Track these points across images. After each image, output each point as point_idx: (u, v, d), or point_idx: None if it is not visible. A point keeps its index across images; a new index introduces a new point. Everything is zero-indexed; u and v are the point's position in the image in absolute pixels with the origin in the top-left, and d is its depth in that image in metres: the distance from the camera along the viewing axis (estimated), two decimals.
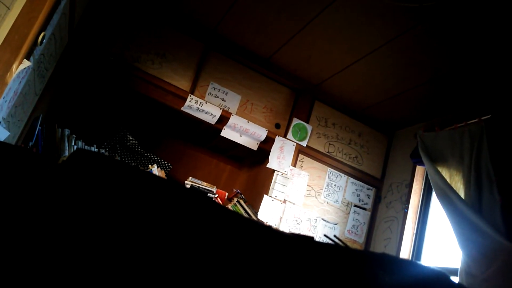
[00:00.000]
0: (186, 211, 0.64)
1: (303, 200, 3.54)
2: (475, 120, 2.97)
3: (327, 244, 0.68)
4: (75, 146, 3.08)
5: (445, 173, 3.05)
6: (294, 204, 3.49)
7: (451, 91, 3.17)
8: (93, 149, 3.19)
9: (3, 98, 1.82)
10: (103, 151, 3.30)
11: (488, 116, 2.90)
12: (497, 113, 2.85)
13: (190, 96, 3.29)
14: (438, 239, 3.26)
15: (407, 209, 3.44)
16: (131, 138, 3.50)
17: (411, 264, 0.75)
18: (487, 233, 2.52)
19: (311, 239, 0.68)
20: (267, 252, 0.61)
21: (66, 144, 3.00)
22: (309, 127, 3.68)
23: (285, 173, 3.50)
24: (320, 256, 0.64)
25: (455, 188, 2.89)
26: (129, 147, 3.46)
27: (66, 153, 2.97)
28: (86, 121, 3.52)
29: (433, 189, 3.09)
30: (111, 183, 0.64)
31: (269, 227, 0.72)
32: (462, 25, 2.54)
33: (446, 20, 2.53)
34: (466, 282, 2.59)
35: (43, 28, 1.91)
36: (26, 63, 1.84)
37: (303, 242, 0.66)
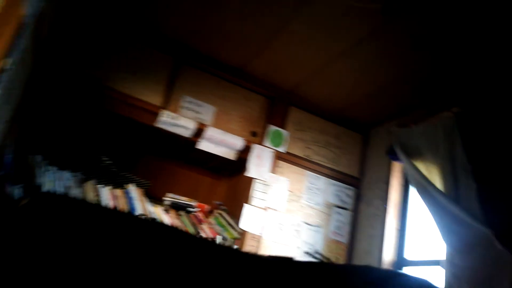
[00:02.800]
0: (143, 244, 0.63)
1: (285, 205, 3.53)
2: (446, 113, 3.03)
3: (307, 262, 0.67)
4: (48, 173, 3.00)
5: (421, 167, 3.09)
6: (276, 210, 3.48)
7: (422, 87, 3.23)
8: (67, 173, 3.12)
9: None
10: (78, 174, 3.22)
11: (459, 109, 2.96)
12: (467, 105, 2.92)
13: (164, 111, 3.26)
14: (422, 232, 3.31)
15: (388, 205, 3.48)
16: (105, 158, 3.43)
17: (395, 275, 0.75)
18: (467, 222, 2.56)
19: (289, 260, 0.67)
20: (245, 280, 0.60)
21: (39, 171, 2.93)
22: (285, 133, 3.69)
23: (265, 180, 3.50)
24: (301, 277, 0.63)
25: (432, 181, 2.93)
26: (105, 168, 3.39)
27: (39, 180, 2.90)
28: (59, 145, 3.43)
29: (412, 184, 3.13)
30: (68, 227, 0.63)
31: (246, 253, 0.70)
32: (428, 20, 2.59)
33: (413, 16, 2.58)
34: (450, 271, 2.63)
35: (8, 54, 1.86)
36: None
37: (282, 264, 0.65)
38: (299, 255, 3.44)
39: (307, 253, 1.85)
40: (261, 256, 0.66)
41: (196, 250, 0.64)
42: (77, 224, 0.66)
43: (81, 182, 3.16)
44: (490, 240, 2.38)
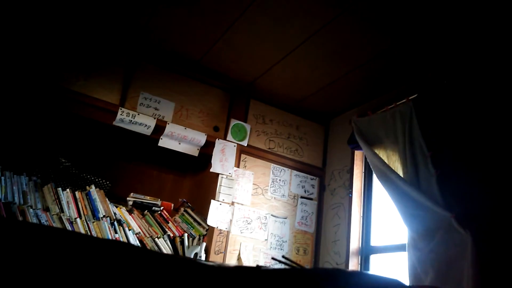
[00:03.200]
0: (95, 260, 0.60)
1: (251, 199, 3.53)
2: (403, 101, 3.09)
3: (276, 270, 0.66)
4: (3, 178, 2.87)
5: (382, 154, 3.15)
6: (242, 204, 3.47)
7: (379, 75, 3.27)
8: (23, 177, 2.99)
9: None
10: (34, 178, 3.09)
11: (415, 95, 3.03)
12: (422, 92, 2.99)
13: (121, 109, 3.17)
14: (385, 218, 3.38)
15: (351, 194, 3.53)
16: (64, 160, 3.31)
17: (364, 276, 0.75)
18: (427, 207, 2.64)
19: (257, 269, 0.65)
20: None
21: None
22: (247, 126, 3.67)
23: (230, 175, 3.47)
24: (271, 286, 0.61)
25: (393, 168, 3.00)
26: (63, 170, 3.27)
27: None
28: (13, 149, 3.28)
29: (373, 171, 3.19)
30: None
31: (211, 265, 0.68)
32: (383, 10, 2.62)
33: (367, 6, 2.60)
34: (414, 256, 2.70)
35: None
36: None
37: (249, 274, 0.63)
38: (267, 248, 3.45)
39: (273, 259, 1.83)
40: (226, 266, 0.64)
41: (155, 265, 0.62)
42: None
43: (39, 187, 3.04)
44: (451, 223, 2.46)
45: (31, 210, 2.86)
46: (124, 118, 3.17)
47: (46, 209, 2.96)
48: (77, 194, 3.11)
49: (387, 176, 2.96)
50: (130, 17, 3.05)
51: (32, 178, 3.07)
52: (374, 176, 3.47)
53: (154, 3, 2.85)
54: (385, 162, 3.05)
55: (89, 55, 3.19)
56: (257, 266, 0.68)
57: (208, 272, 0.63)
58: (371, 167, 3.19)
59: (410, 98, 3.04)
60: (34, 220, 2.84)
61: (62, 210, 2.99)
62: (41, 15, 3.05)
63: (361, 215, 3.50)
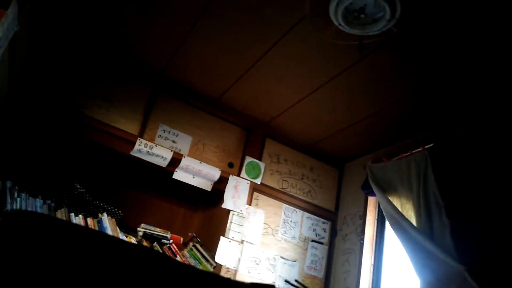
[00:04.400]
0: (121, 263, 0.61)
1: (261, 239, 3.49)
2: (419, 149, 3.08)
3: None
4: (18, 199, 2.91)
5: (396, 202, 3.12)
6: (251, 244, 3.43)
7: (395, 123, 3.29)
8: (38, 200, 3.02)
9: None
10: (49, 201, 3.12)
11: (431, 145, 3.03)
12: (438, 141, 2.99)
13: (139, 139, 3.23)
14: (396, 268, 3.30)
15: (363, 240, 3.47)
16: (78, 186, 3.35)
17: None
18: (440, 259, 2.58)
19: (271, 287, 0.65)
20: None
21: (8, 197, 2.83)
22: (262, 164, 3.69)
23: (241, 212, 3.46)
24: None
25: (406, 216, 2.96)
26: (77, 196, 3.31)
27: (8, 207, 2.80)
28: (30, 171, 3.34)
29: (386, 219, 3.15)
30: (43, 242, 0.61)
31: (228, 279, 0.68)
32: (400, 59, 2.67)
33: (385, 54, 2.66)
34: None
35: None
36: None
37: None
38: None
39: (287, 281, 1.82)
40: (242, 283, 0.65)
41: (174, 274, 0.62)
42: (55, 243, 0.64)
43: (53, 210, 3.07)
44: (463, 276, 2.40)
45: None
46: (142, 148, 3.22)
47: None
48: (89, 220, 3.13)
49: (400, 224, 2.92)
50: (156, 51, 3.16)
51: (47, 202, 3.10)
52: (387, 223, 3.41)
53: (179, 37, 2.96)
54: (398, 210, 3.02)
55: (112, 85, 3.28)
56: (272, 284, 0.68)
57: (226, 285, 0.63)
58: (384, 214, 3.16)
59: (426, 147, 3.03)
60: None
61: None
62: (68, 43, 3.18)
63: (372, 262, 3.43)
